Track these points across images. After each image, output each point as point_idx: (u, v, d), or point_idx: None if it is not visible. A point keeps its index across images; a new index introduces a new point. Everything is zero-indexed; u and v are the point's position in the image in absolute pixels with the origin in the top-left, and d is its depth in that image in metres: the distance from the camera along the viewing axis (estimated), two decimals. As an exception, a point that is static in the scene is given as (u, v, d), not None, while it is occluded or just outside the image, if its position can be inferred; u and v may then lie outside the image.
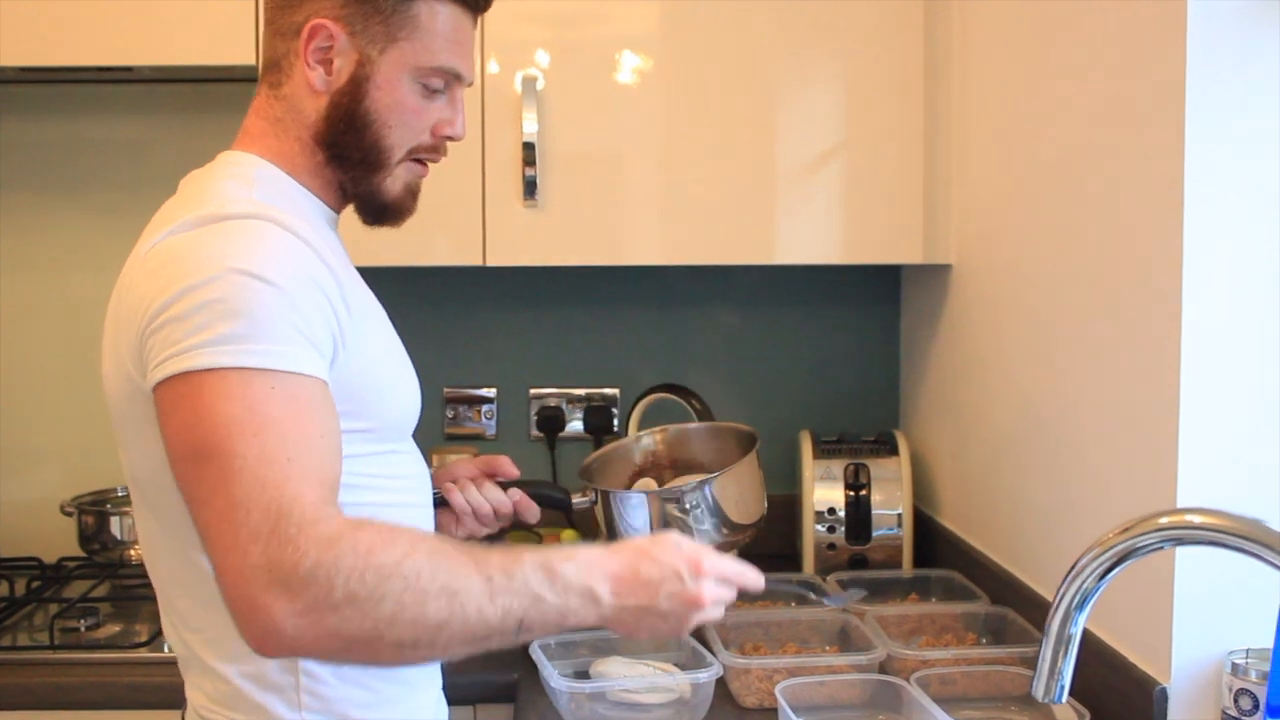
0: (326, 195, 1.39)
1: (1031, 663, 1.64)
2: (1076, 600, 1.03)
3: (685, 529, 1.64)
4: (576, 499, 1.68)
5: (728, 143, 2.14)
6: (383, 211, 1.42)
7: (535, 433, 2.51)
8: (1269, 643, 1.31)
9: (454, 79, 1.39)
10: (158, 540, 1.31)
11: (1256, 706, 1.31)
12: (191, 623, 1.31)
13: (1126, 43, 1.49)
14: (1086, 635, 1.52)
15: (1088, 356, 1.61)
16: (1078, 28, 1.63)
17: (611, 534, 1.68)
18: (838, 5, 2.12)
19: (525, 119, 2.08)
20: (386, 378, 1.35)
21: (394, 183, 1.40)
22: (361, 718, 1.32)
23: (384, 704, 1.34)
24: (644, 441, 1.87)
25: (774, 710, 1.59)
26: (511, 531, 2.39)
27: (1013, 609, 1.81)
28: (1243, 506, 0.99)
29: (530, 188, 2.08)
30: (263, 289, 1.16)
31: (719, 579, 1.24)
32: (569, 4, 2.13)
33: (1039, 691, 1.06)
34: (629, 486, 1.81)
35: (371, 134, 1.35)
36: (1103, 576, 1.01)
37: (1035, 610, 1.76)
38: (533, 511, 1.61)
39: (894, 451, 2.24)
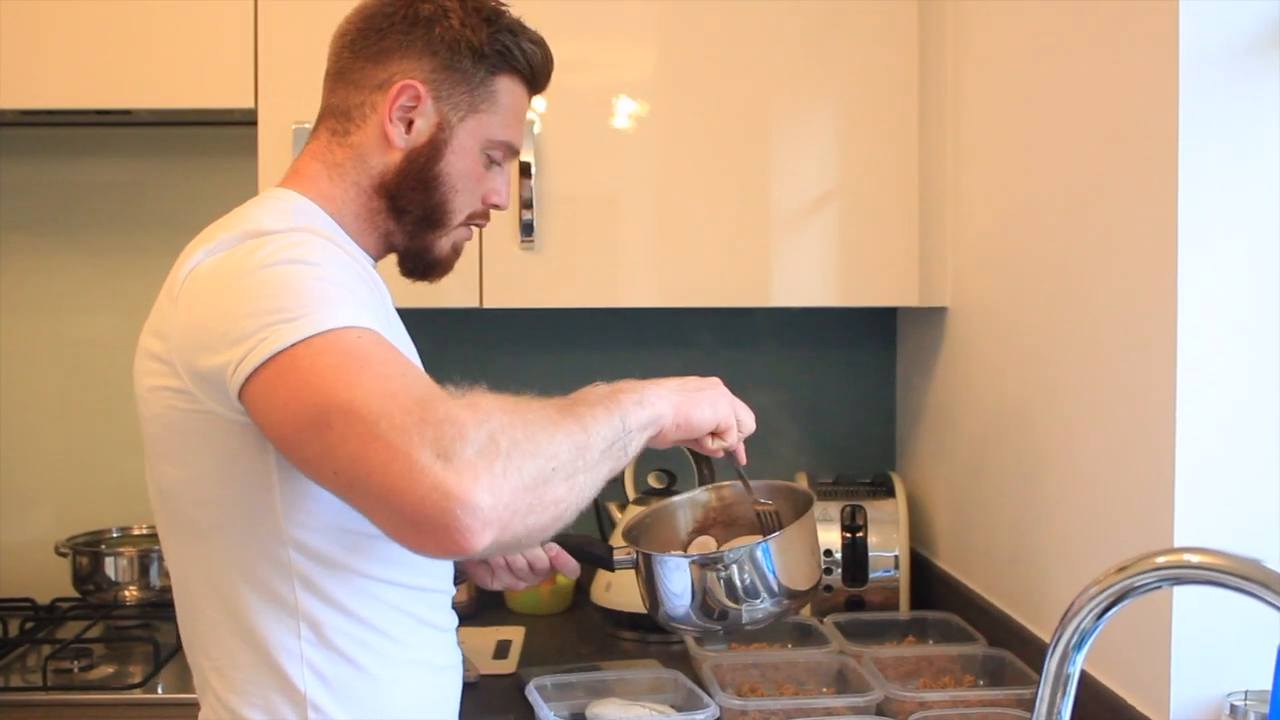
0: (368, 241, 1.43)
1: (1029, 704, 1.64)
2: (1074, 640, 1.02)
3: (732, 596, 1.52)
4: (618, 556, 1.58)
5: (723, 186, 2.15)
6: (431, 268, 1.48)
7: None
8: (1267, 684, 1.31)
9: (511, 153, 1.49)
10: (182, 560, 1.33)
11: (1255, 749, 1.31)
12: (209, 648, 1.32)
13: (1118, 86, 1.50)
14: (1085, 677, 1.52)
15: (1083, 397, 1.61)
16: (1070, 71, 1.65)
17: (652, 597, 1.57)
18: (832, 51, 2.15)
19: (523, 168, 2.09)
20: None
21: (446, 243, 1.47)
22: None
23: None
24: (700, 498, 1.75)
25: (771, 753, 1.58)
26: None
27: (1010, 651, 1.81)
28: (1240, 547, 1.00)
29: (527, 230, 2.09)
30: (307, 269, 1.18)
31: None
32: (565, 50, 2.11)
33: (1037, 733, 1.06)
34: (686, 545, 1.71)
35: (440, 195, 1.42)
36: (1100, 616, 1.01)
37: (1033, 652, 1.76)
38: (570, 567, 1.61)
39: (890, 493, 2.24)
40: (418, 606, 1.35)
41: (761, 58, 2.14)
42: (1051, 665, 1.04)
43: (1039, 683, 1.07)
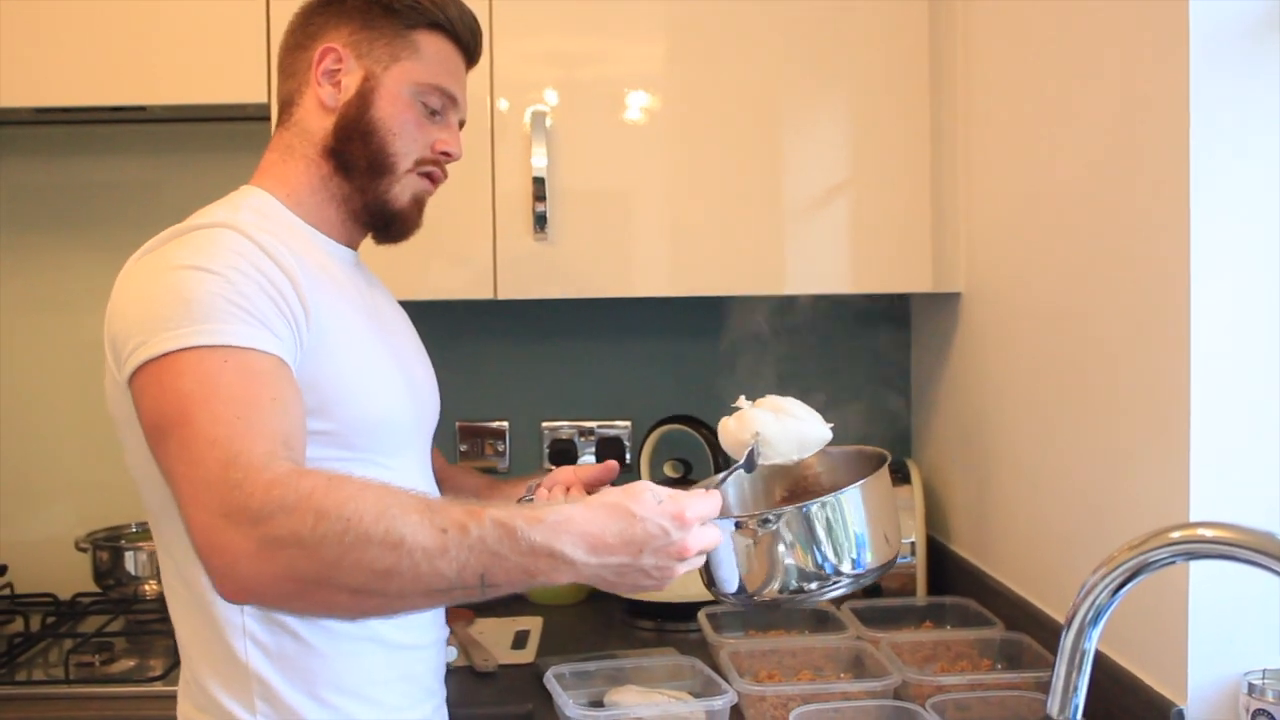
0: (328, 214, 1.50)
1: (1047, 687, 1.64)
2: (1090, 616, 1.03)
3: (793, 567, 1.39)
4: None
5: (736, 176, 2.15)
6: (391, 221, 1.51)
7: (548, 465, 2.52)
8: (1286, 663, 1.32)
9: (450, 102, 1.53)
10: (157, 543, 1.41)
11: (1274, 727, 1.31)
12: (178, 625, 1.41)
13: (1129, 71, 1.50)
14: (1102, 658, 1.52)
15: (1097, 379, 1.61)
16: (1081, 56, 1.65)
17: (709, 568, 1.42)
18: (843, 40, 2.14)
19: (535, 154, 2.10)
20: (354, 383, 1.38)
21: (402, 192, 1.50)
22: None
23: None
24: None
25: (790, 738, 1.59)
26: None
27: (1028, 635, 1.81)
28: (1257, 521, 1.00)
29: (540, 222, 2.10)
30: (204, 277, 1.25)
31: (702, 522, 1.22)
32: (577, 44, 2.15)
33: (1053, 709, 1.07)
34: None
35: (377, 140, 1.47)
36: (1115, 592, 1.01)
37: (1050, 635, 1.76)
38: None
39: (906, 479, 2.24)
40: None
41: (772, 47, 2.14)
42: (1067, 641, 1.05)
43: (1055, 664, 1.08)
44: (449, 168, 1.56)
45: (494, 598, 1.16)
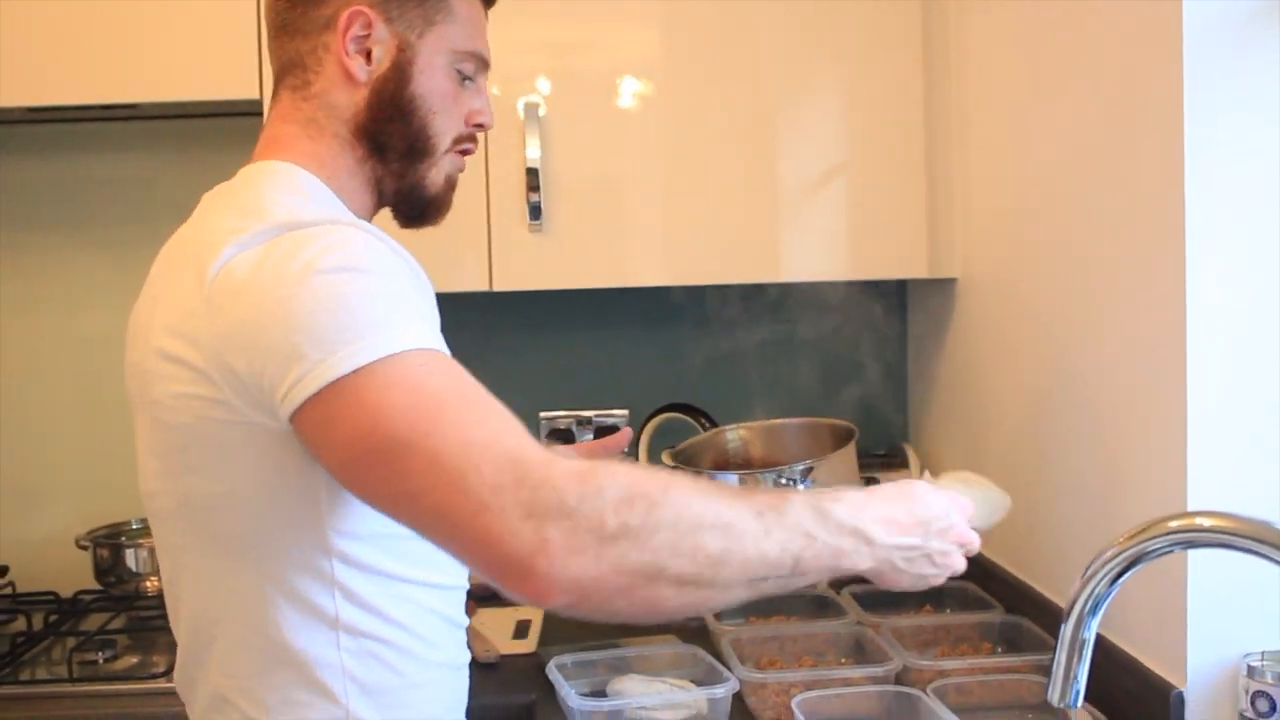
0: (361, 198, 1.34)
1: (1047, 670, 1.65)
2: (1089, 605, 1.03)
3: None
4: None
5: (730, 164, 2.15)
6: (426, 207, 1.37)
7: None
8: (1285, 645, 1.32)
9: (482, 65, 1.38)
10: (202, 577, 1.24)
11: (1273, 709, 1.31)
12: (228, 666, 1.24)
13: (1123, 55, 1.50)
14: (1103, 642, 1.53)
15: (1094, 364, 1.62)
16: (1074, 41, 1.65)
17: None
18: (836, 27, 2.14)
19: (528, 145, 2.10)
20: None
21: (439, 174, 1.36)
22: None
23: None
24: (732, 435, 1.71)
25: (792, 725, 1.60)
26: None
27: (1027, 618, 1.81)
28: (1254, 509, 1.00)
29: (535, 212, 2.10)
30: (360, 279, 1.11)
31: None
32: (569, 32, 2.15)
33: (1054, 696, 1.07)
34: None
35: (418, 120, 1.32)
36: (1114, 581, 1.02)
37: (1050, 618, 1.77)
38: None
39: (904, 464, 2.25)
40: (445, 606, 1.31)
41: (766, 34, 2.14)
42: (1067, 631, 1.05)
43: (1055, 648, 1.08)
44: None
45: (792, 590, 1.14)
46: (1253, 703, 1.33)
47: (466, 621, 1.37)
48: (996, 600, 1.94)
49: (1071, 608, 1.04)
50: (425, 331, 1.11)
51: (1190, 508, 1.37)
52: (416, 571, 1.25)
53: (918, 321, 2.50)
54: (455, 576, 1.32)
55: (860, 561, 1.14)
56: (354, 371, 1.05)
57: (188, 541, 1.24)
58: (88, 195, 2.51)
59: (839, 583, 2.15)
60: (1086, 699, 1.10)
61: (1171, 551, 0.99)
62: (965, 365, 2.18)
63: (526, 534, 0.98)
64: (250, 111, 2.18)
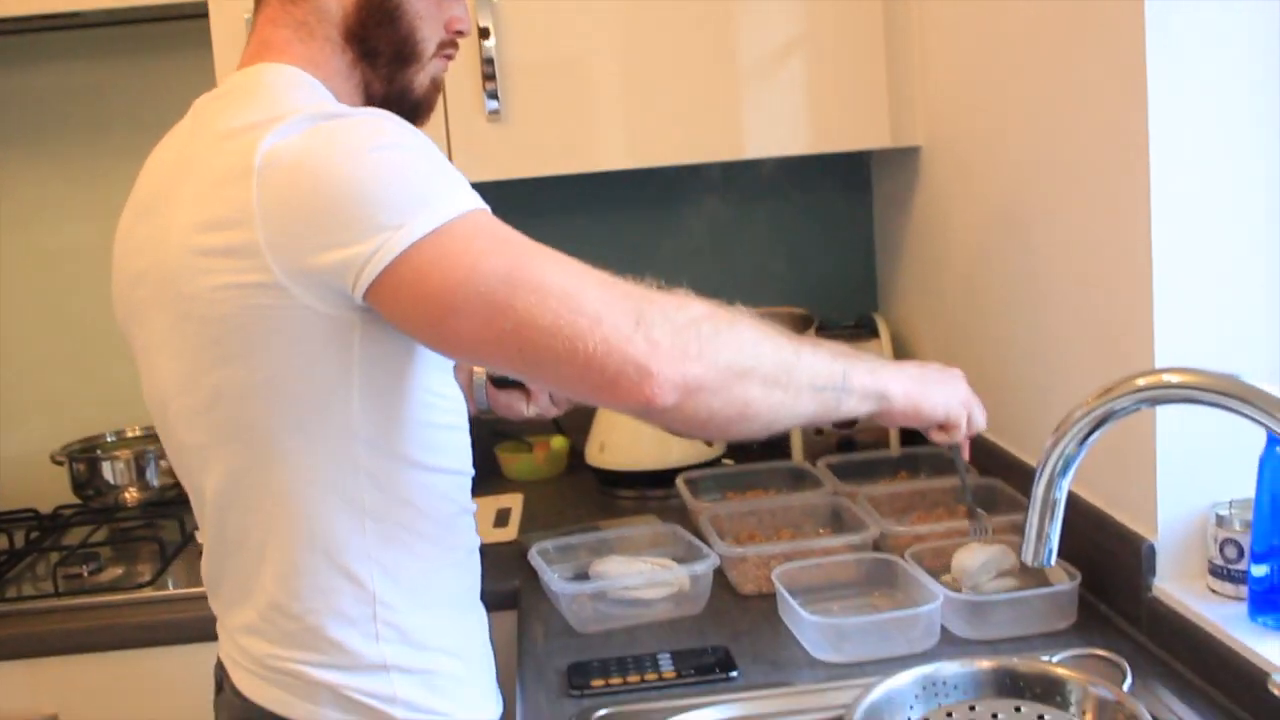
0: (352, 102, 1.34)
1: (1021, 531, 1.67)
2: (1059, 465, 1.05)
3: None
4: None
5: (688, 41, 2.12)
6: (414, 110, 1.38)
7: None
8: (1251, 493, 1.34)
9: None
10: (233, 468, 1.26)
11: (1241, 554, 1.34)
12: (256, 558, 1.28)
13: (1078, -94, 1.48)
14: (1075, 499, 1.55)
15: (1060, 227, 1.62)
16: (1029, -106, 1.62)
17: None
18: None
19: (483, 33, 2.05)
20: None
21: (424, 78, 1.38)
22: (438, 643, 1.32)
23: (456, 626, 1.36)
24: None
25: (772, 596, 1.62)
26: (503, 442, 2.42)
27: (1000, 480, 1.84)
28: (1219, 365, 1.01)
29: (492, 100, 2.06)
30: (415, 153, 1.16)
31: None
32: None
33: (1028, 556, 1.09)
34: None
35: (405, 25, 1.33)
36: (1083, 440, 1.03)
37: (1022, 479, 1.79)
38: None
39: (874, 334, 2.26)
40: (458, 492, 1.36)
41: (715, -97, 2.09)
42: (1039, 491, 1.07)
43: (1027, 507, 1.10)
44: None
45: (841, 420, 1.34)
46: (1221, 550, 1.36)
47: (475, 507, 1.42)
48: (970, 464, 1.96)
49: (1042, 468, 1.06)
50: (472, 191, 1.18)
51: (1158, 363, 1.38)
52: (439, 458, 1.31)
53: (883, 192, 2.49)
54: (467, 463, 1.38)
55: (893, 381, 1.34)
56: (433, 231, 1.11)
57: (213, 439, 1.26)
58: (36, 108, 2.46)
59: (814, 455, 2.18)
60: (1060, 555, 1.12)
61: (1139, 409, 1.00)
62: (932, 233, 2.18)
63: (640, 340, 1.11)
64: (195, 14, 2.13)
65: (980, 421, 1.47)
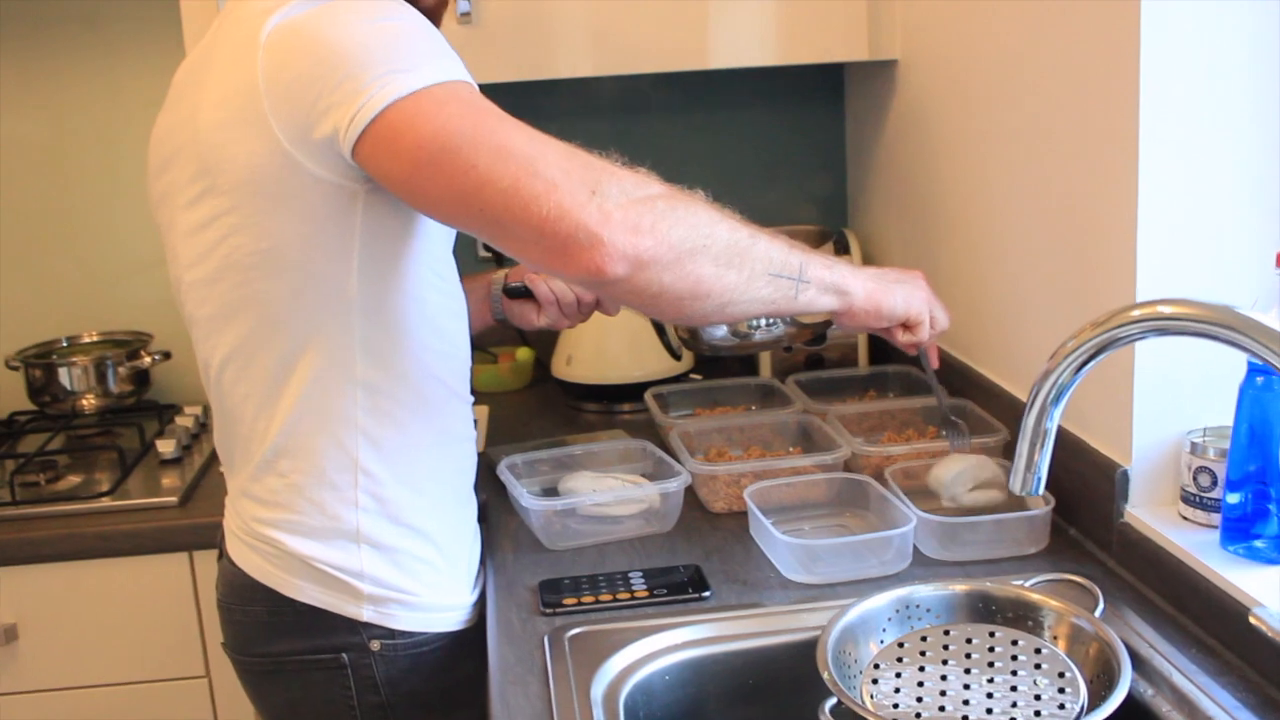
0: None
1: (993, 451, 1.68)
2: (1052, 394, 1.04)
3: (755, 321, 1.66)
4: None
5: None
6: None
7: (483, 253, 2.48)
8: (1225, 420, 1.35)
9: None
10: (235, 337, 1.33)
11: (1214, 482, 1.34)
12: (258, 423, 1.35)
13: None
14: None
15: (1042, 145, 1.59)
16: None
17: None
18: None
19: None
20: None
21: None
22: (414, 522, 1.39)
23: (436, 510, 1.42)
24: None
25: (742, 514, 1.62)
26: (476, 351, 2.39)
27: (971, 400, 1.83)
28: (1203, 293, 1.00)
29: (464, 2, 2.00)
30: (408, 25, 1.22)
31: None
32: None
33: (1015, 484, 1.08)
34: None
35: None
36: (1078, 371, 1.02)
37: (992, 400, 1.79)
38: (615, 305, 1.70)
39: (845, 249, 2.24)
40: (454, 378, 1.43)
41: None
42: (1029, 420, 1.06)
43: (1017, 435, 1.09)
44: None
45: (800, 313, 1.41)
46: (1195, 478, 1.36)
47: (471, 399, 1.49)
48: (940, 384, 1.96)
49: (1035, 397, 1.05)
50: (465, 70, 1.23)
51: (1138, 291, 1.37)
52: (431, 337, 1.37)
53: (856, 106, 2.45)
54: (461, 347, 1.44)
55: (853, 278, 1.37)
56: (413, 92, 1.15)
57: (220, 310, 1.33)
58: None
59: (783, 371, 2.17)
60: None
61: (1143, 339, 0.99)
62: (907, 149, 2.15)
63: (593, 209, 1.14)
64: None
65: (943, 321, 1.50)
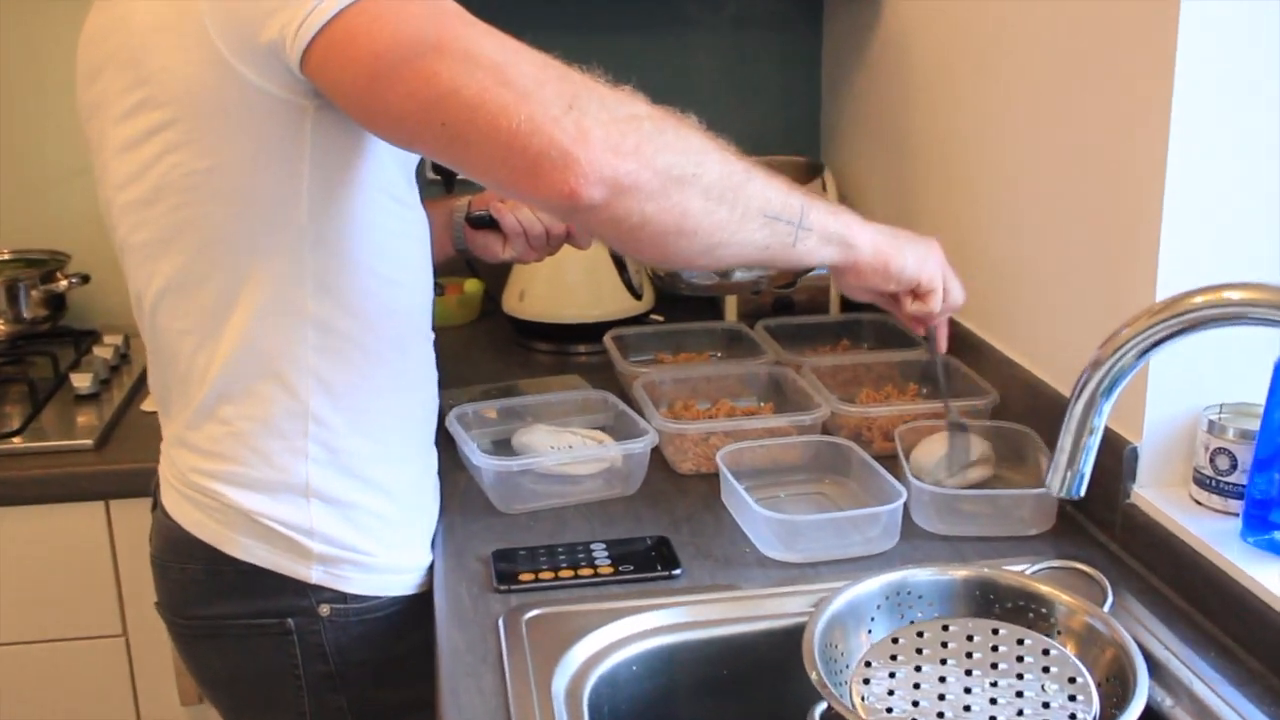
0: None
1: (983, 414, 1.56)
2: (1104, 384, 0.90)
3: None
4: None
5: None
6: None
7: (431, 174, 2.31)
8: (1244, 397, 1.24)
9: None
10: (171, 266, 1.20)
11: (1234, 466, 1.23)
12: (196, 362, 1.23)
13: None
14: (1053, 393, 1.44)
15: (1049, 86, 1.46)
16: None
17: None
18: None
19: None
20: None
21: None
22: (369, 475, 1.28)
23: (394, 461, 1.31)
24: None
25: (712, 476, 1.50)
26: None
27: (954, 356, 1.71)
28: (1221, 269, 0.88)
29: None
30: None
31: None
32: None
33: (1054, 484, 0.96)
34: None
35: None
36: (1142, 354, 0.89)
37: (975, 355, 1.68)
38: (586, 239, 1.57)
39: (821, 187, 2.10)
40: (415, 313, 1.31)
41: None
42: (1076, 410, 0.92)
43: (1060, 430, 0.97)
44: None
45: (797, 265, 1.24)
46: (1211, 460, 1.25)
47: (433, 336, 1.37)
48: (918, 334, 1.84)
49: (1082, 386, 0.91)
50: None
51: (1161, 248, 1.25)
52: (390, 267, 1.25)
53: (835, 31, 2.30)
54: (423, 278, 1.33)
55: (860, 229, 1.23)
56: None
57: (156, 235, 1.20)
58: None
59: (750, 315, 2.04)
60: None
61: (1221, 326, 0.86)
62: (890, 83, 2.01)
63: (568, 124, 1.00)
64: None
65: (958, 296, 1.35)
